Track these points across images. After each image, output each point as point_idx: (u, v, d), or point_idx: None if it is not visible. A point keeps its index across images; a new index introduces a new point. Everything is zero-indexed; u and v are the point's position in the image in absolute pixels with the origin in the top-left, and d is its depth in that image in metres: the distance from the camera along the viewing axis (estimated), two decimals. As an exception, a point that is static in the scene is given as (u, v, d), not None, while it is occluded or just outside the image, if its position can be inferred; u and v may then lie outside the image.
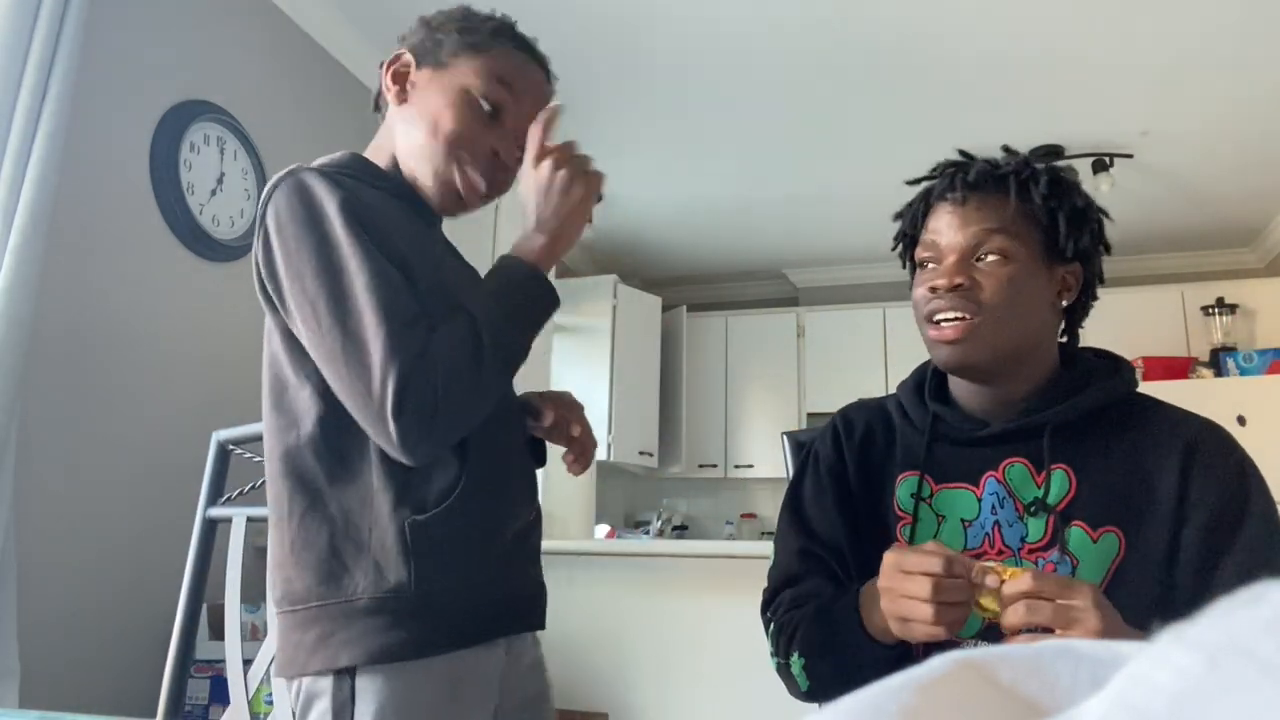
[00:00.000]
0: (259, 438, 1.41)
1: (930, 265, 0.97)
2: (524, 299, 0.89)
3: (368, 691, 0.81)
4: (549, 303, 0.91)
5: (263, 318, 0.93)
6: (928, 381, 1.04)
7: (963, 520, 0.96)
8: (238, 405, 2.32)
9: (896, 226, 1.06)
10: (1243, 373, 3.97)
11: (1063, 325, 1.02)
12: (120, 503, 2.06)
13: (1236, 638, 0.17)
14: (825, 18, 2.79)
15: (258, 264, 0.89)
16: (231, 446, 1.42)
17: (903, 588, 0.78)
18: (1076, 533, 0.91)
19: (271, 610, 0.92)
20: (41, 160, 1.73)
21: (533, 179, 0.92)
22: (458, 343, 0.82)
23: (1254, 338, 4.21)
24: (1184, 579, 0.88)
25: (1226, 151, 3.61)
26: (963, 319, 0.92)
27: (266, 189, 0.90)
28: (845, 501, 1.04)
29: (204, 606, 1.45)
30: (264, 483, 1.40)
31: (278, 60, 2.66)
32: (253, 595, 1.46)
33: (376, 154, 0.99)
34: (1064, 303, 0.98)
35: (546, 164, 0.92)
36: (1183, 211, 4.21)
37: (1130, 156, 3.61)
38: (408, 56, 0.97)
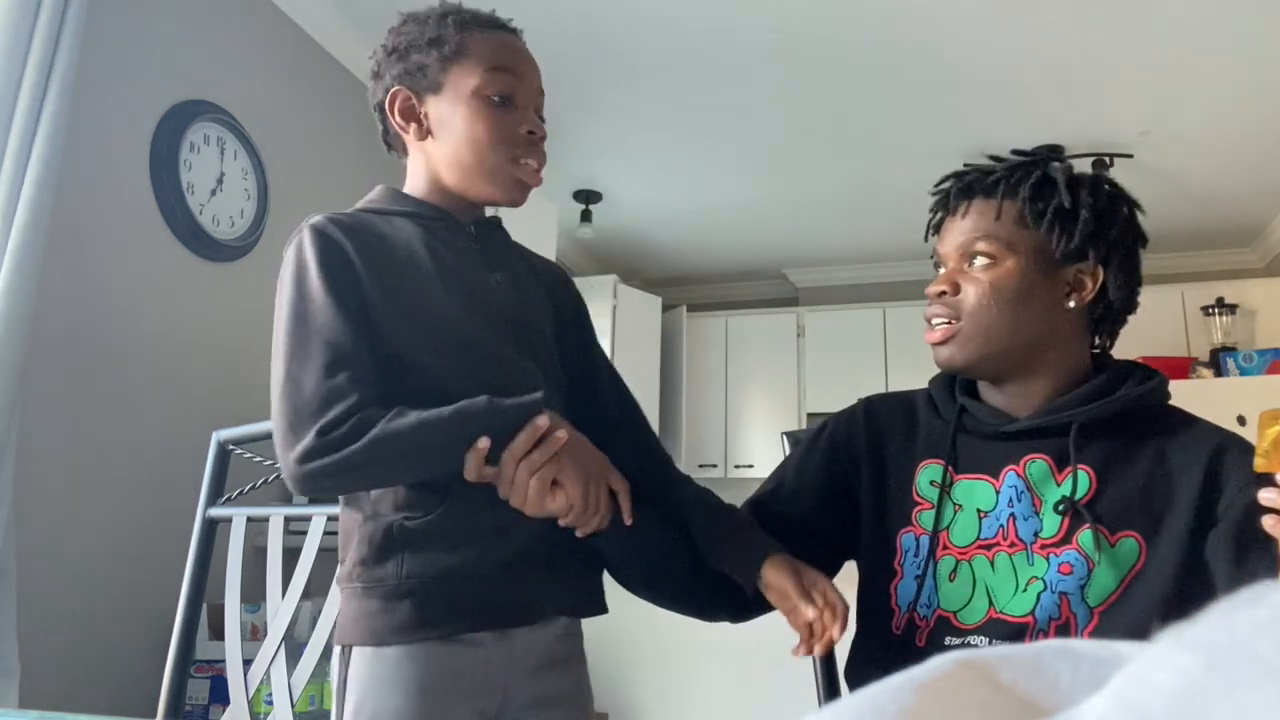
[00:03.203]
0: (259, 438, 1.41)
1: (939, 272, 1.03)
2: (457, 421, 0.85)
3: (355, 669, 0.89)
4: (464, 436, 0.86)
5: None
6: (959, 377, 1.06)
7: (979, 510, 0.97)
8: (238, 405, 2.32)
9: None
10: (1243, 373, 3.97)
11: (1108, 325, 1.02)
12: (120, 503, 2.06)
13: (1236, 638, 0.17)
14: (825, 18, 2.78)
15: None
16: (231, 446, 1.42)
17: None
18: (1089, 535, 0.91)
19: None
20: (41, 160, 1.73)
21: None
22: (375, 437, 0.83)
23: (1254, 338, 4.21)
24: (1221, 576, 0.88)
25: (1226, 151, 3.61)
26: (946, 323, 0.99)
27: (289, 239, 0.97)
28: (835, 482, 1.07)
29: (204, 606, 1.45)
30: (263, 483, 1.40)
31: (278, 60, 2.66)
32: (253, 595, 1.45)
33: (413, 184, 1.02)
34: (1071, 303, 0.98)
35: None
36: (1183, 211, 4.21)
37: (1130, 156, 3.61)
38: (405, 93, 0.99)
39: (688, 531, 1.01)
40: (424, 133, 0.99)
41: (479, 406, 0.85)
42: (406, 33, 0.99)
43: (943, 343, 0.99)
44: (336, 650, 0.92)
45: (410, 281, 0.93)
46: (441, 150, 0.98)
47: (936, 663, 0.21)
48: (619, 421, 1.08)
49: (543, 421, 0.86)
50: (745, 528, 1.01)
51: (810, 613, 0.90)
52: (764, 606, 1.01)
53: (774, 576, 0.94)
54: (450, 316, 0.93)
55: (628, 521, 0.91)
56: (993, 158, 1.03)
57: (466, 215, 1.02)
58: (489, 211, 1.08)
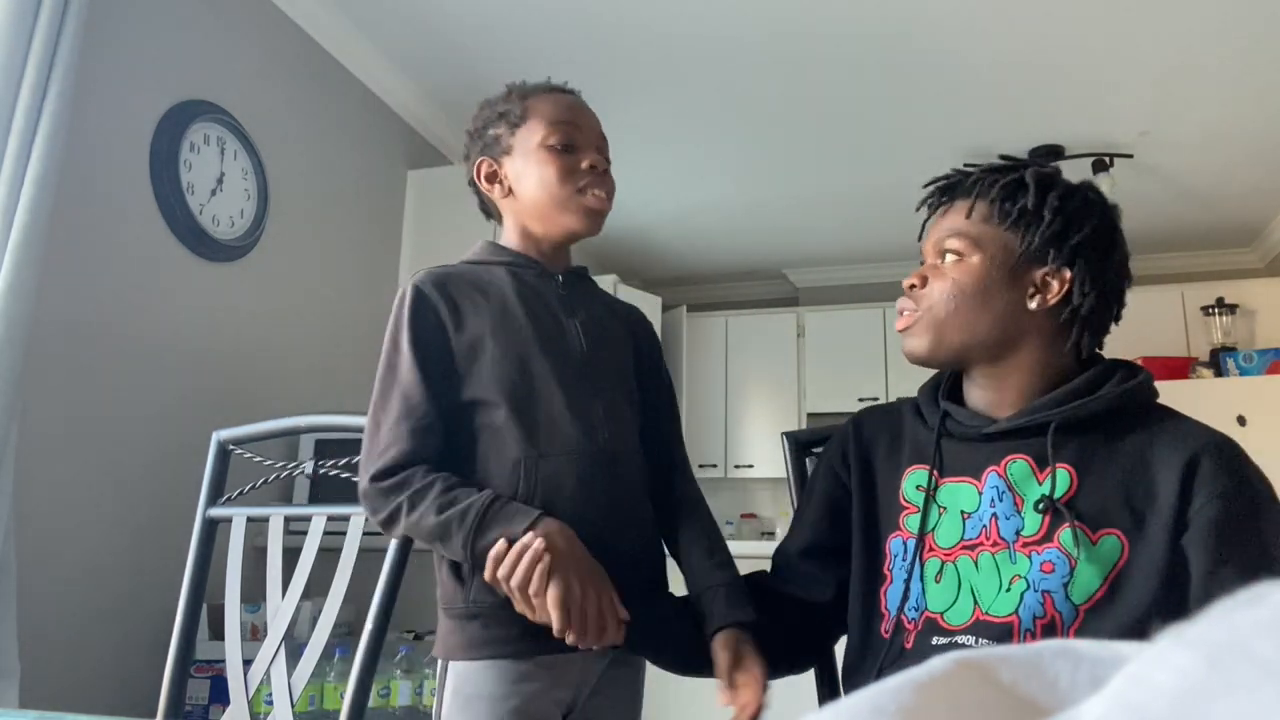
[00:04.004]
0: (259, 438, 1.41)
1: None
2: (448, 530, 0.96)
3: (449, 676, 1.04)
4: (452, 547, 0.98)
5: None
6: (943, 382, 1.08)
7: (962, 512, 0.98)
8: (238, 405, 2.32)
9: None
10: (1243, 373, 3.97)
11: (1077, 329, 0.99)
12: (120, 503, 2.06)
13: (1236, 638, 0.17)
14: (825, 19, 2.79)
15: None
16: (231, 446, 1.42)
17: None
18: (1069, 533, 0.91)
19: None
20: (41, 160, 1.73)
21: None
22: (416, 496, 0.98)
23: (1254, 338, 4.21)
24: (1191, 585, 0.87)
25: (1226, 151, 3.61)
26: (911, 313, 1.02)
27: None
28: (839, 503, 1.11)
29: (204, 606, 1.45)
30: (263, 483, 1.40)
31: (278, 60, 2.66)
32: (253, 595, 1.45)
33: (508, 238, 1.18)
34: (1033, 305, 0.97)
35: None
36: (1183, 211, 4.21)
37: (1130, 156, 3.61)
38: (488, 161, 1.16)
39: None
40: (506, 190, 1.15)
41: (464, 525, 0.95)
42: (482, 116, 1.17)
43: (903, 331, 1.03)
44: (440, 664, 1.07)
45: (494, 329, 1.06)
46: (522, 201, 1.13)
47: (936, 663, 0.21)
48: (653, 467, 1.15)
49: (528, 540, 0.92)
50: (713, 592, 1.06)
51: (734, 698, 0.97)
52: (809, 661, 1.13)
53: (716, 648, 1.00)
54: (523, 361, 1.06)
55: (618, 642, 0.94)
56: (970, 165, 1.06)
57: (555, 265, 1.17)
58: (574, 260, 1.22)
